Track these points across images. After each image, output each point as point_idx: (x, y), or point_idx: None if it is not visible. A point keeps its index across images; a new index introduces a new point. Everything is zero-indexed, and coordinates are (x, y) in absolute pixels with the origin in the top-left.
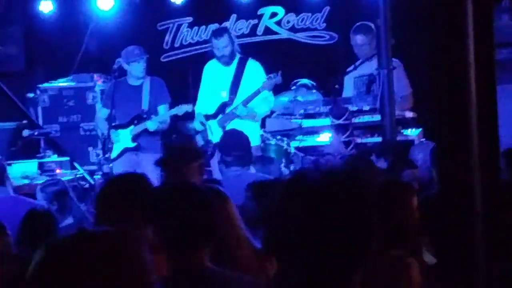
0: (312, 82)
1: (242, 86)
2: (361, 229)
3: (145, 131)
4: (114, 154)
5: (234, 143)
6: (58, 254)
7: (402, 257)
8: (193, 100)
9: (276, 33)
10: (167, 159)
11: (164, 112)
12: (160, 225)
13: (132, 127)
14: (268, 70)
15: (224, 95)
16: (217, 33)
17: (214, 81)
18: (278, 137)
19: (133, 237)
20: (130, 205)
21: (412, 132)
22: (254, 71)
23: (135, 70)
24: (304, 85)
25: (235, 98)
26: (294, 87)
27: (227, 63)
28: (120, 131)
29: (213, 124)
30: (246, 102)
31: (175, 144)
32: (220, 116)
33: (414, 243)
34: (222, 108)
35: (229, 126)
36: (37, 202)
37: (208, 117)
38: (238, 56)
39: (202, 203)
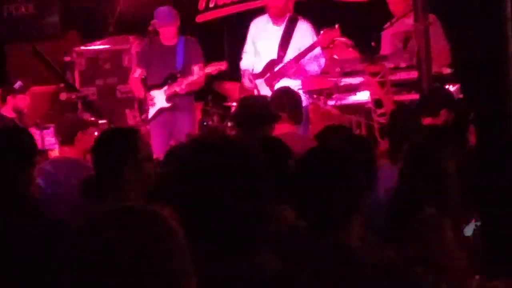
0: (348, 39)
1: (291, 45)
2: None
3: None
4: (150, 115)
5: (288, 99)
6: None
7: (435, 215)
8: (228, 59)
9: None
10: (242, 116)
11: (198, 72)
12: None
13: (166, 87)
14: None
15: (273, 54)
16: None
17: (262, 38)
18: (315, 96)
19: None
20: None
21: (450, 88)
22: (304, 31)
23: (168, 31)
24: (342, 43)
25: (284, 56)
26: (331, 45)
27: (277, 21)
28: (155, 91)
29: (260, 83)
30: (298, 59)
31: (251, 103)
32: (267, 74)
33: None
34: (270, 66)
35: (277, 85)
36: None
37: (253, 76)
38: (288, 14)
39: None
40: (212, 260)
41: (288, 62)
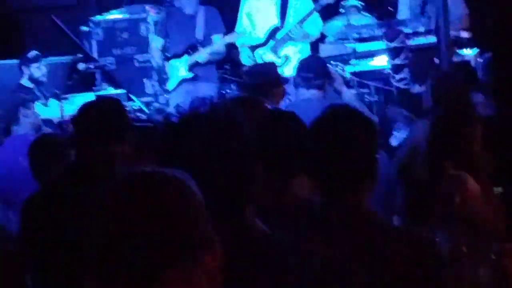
0: (361, 3)
1: (290, 10)
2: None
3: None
4: (171, 85)
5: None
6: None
7: (460, 174)
8: None
9: None
10: (250, 84)
11: (219, 42)
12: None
13: (186, 57)
14: None
15: (273, 22)
16: None
17: (258, 10)
18: (333, 62)
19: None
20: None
21: (468, 52)
22: None
23: (187, 2)
24: (354, 6)
25: (285, 22)
26: (343, 10)
27: None
28: (175, 61)
29: (264, 52)
30: (301, 22)
31: (258, 69)
32: (271, 42)
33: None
34: (273, 33)
35: (281, 51)
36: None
37: (255, 47)
38: None
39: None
40: None
41: (295, 26)
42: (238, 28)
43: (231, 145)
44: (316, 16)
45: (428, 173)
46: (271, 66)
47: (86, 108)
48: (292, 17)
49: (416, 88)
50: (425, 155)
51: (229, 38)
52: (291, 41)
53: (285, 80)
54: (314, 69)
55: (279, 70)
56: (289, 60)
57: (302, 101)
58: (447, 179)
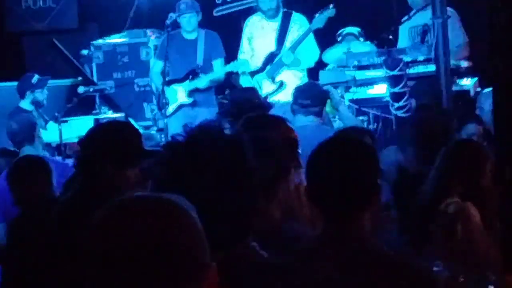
0: (358, 29)
1: (288, 38)
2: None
3: None
4: (170, 110)
5: (315, 92)
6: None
7: (459, 201)
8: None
9: None
10: (233, 111)
11: (219, 67)
12: None
13: (187, 82)
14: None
15: (272, 48)
16: None
17: (259, 35)
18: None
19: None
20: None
21: (468, 82)
22: (300, 23)
23: (187, 23)
24: (351, 34)
25: (282, 48)
26: (340, 38)
27: (273, 16)
28: (175, 86)
29: (261, 78)
30: (294, 48)
31: (239, 96)
32: (268, 67)
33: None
34: (270, 58)
35: (278, 77)
36: (64, 162)
37: (254, 73)
38: (282, 9)
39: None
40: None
41: (286, 51)
42: (240, 52)
43: (236, 174)
44: (311, 44)
45: (428, 199)
46: (252, 92)
47: (98, 130)
48: (289, 43)
49: None
50: (432, 181)
51: (230, 67)
52: (285, 67)
53: (269, 106)
54: (312, 96)
55: (273, 96)
56: (284, 86)
57: (300, 128)
58: (449, 206)
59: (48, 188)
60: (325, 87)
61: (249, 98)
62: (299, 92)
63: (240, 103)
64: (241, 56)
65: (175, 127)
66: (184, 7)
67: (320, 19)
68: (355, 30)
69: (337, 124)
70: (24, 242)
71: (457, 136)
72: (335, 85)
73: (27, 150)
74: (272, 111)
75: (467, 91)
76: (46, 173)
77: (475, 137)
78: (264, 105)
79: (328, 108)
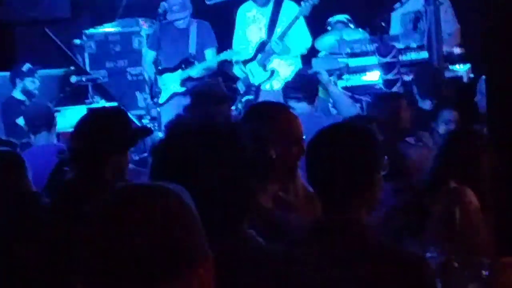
0: (346, 16)
1: (279, 25)
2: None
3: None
4: (162, 98)
5: (305, 84)
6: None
7: (460, 187)
8: None
9: None
10: (194, 104)
11: (211, 56)
12: None
13: (180, 71)
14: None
15: (263, 36)
16: None
17: (250, 24)
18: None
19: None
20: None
21: (460, 68)
22: (291, 10)
23: (179, 15)
24: (340, 22)
25: (272, 36)
26: (329, 27)
27: (265, 4)
28: (167, 75)
29: (253, 66)
30: (282, 36)
31: (202, 88)
32: (259, 55)
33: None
34: (262, 47)
35: (270, 65)
36: None
37: (246, 62)
38: None
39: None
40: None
41: (274, 40)
42: (235, 41)
43: (232, 158)
44: (302, 31)
45: (427, 185)
46: (215, 84)
47: (89, 118)
48: (280, 31)
49: (427, 104)
50: (431, 168)
51: (223, 55)
52: (276, 55)
53: (230, 99)
54: (301, 88)
55: (266, 84)
56: (276, 74)
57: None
58: (448, 192)
59: (22, 181)
60: (313, 71)
61: (212, 90)
62: (289, 88)
63: (203, 96)
64: (235, 44)
65: (168, 116)
66: (178, 9)
67: (306, 7)
68: (343, 17)
69: (335, 110)
70: None
71: (433, 124)
72: (328, 72)
73: (44, 135)
74: (265, 99)
75: (460, 77)
76: (19, 167)
77: (452, 124)
78: (228, 97)
79: (321, 94)
